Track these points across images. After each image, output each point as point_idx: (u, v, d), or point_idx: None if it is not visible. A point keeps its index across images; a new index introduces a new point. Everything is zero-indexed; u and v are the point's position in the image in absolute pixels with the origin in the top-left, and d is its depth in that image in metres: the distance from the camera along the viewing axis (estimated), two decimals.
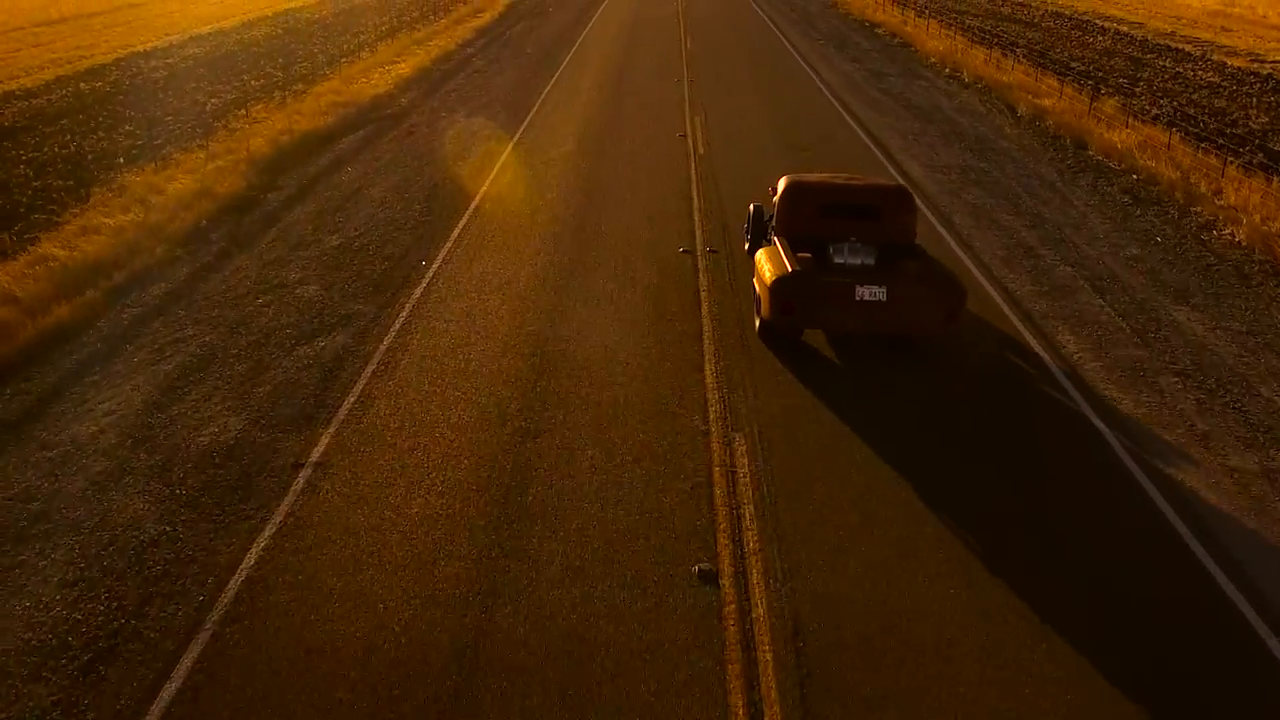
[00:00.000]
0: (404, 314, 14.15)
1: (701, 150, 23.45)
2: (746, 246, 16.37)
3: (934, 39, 44.87)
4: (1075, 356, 13.60)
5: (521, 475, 10.37)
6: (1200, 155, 24.89)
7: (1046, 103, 31.01)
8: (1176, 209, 20.78)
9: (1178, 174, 23.05)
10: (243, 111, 28.81)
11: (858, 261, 13.29)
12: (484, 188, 20.44)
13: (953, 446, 11.28)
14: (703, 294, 15.00)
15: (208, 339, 13.77)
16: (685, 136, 24.88)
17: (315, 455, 10.62)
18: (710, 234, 17.69)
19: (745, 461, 10.67)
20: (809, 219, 13.87)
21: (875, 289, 12.36)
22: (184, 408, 11.84)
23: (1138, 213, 20.51)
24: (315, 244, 17.65)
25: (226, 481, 10.26)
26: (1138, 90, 35.14)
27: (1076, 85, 34.38)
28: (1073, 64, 40.03)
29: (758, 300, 13.48)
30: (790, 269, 12.63)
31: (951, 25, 49.81)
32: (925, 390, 12.55)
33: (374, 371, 12.48)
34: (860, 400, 12.18)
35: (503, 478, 10.32)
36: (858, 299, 12.35)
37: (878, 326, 12.82)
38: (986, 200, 20.71)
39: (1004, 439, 11.51)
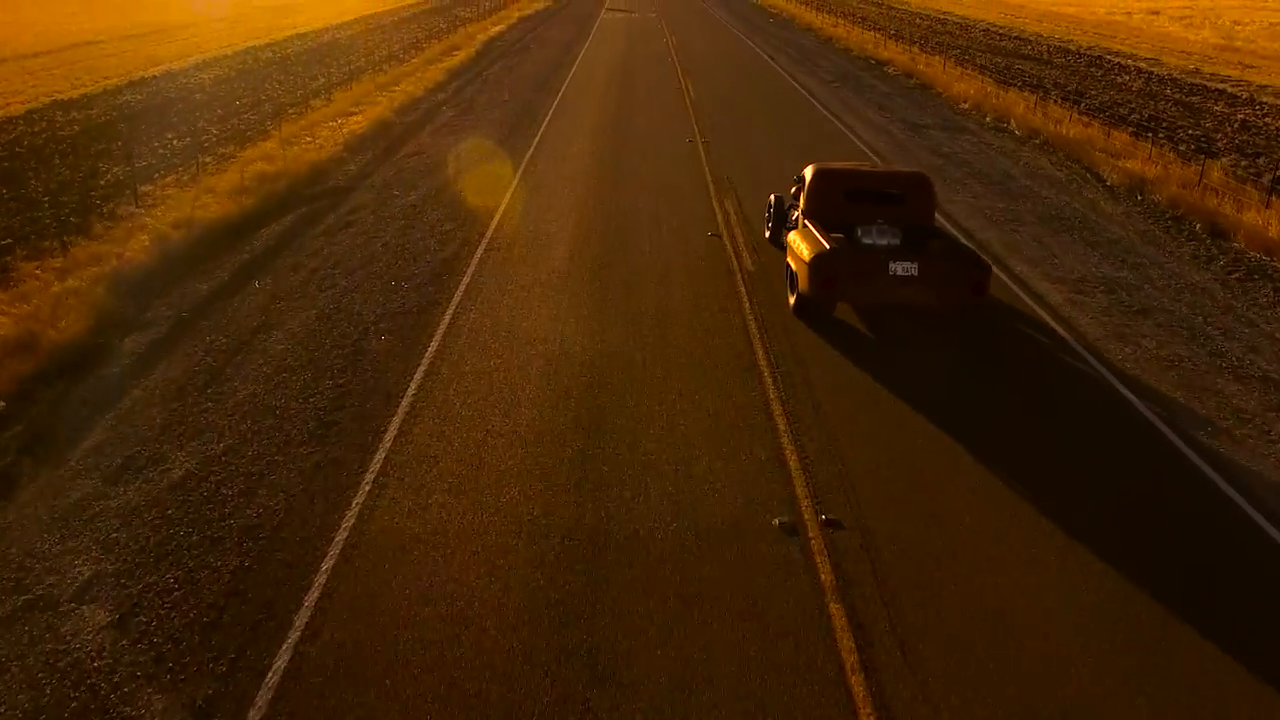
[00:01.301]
0: None
1: (750, 265, 15.29)
2: (768, 235, 16.55)
3: (955, 79, 37.31)
4: None
5: None
6: None
7: (1133, 166, 23.42)
8: None
9: None
10: (145, 188, 20.77)
11: (884, 242, 13.01)
12: (435, 342, 12.37)
13: None
14: (853, 675, 6.87)
15: None
16: (719, 237, 16.91)
17: None
18: (815, 465, 9.54)
19: None
20: (836, 203, 13.79)
21: (908, 264, 12.16)
22: None
23: None
24: (150, 470, 9.69)
25: None
26: (1218, 142, 27.69)
27: (1146, 139, 26.90)
28: (1120, 109, 32.58)
29: (794, 277, 13.23)
30: (828, 246, 12.46)
31: (964, 63, 42.28)
32: None
33: None
34: None
35: None
36: (891, 274, 12.16)
37: (909, 300, 12.53)
38: (1175, 348, 12.95)
39: None
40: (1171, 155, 24.75)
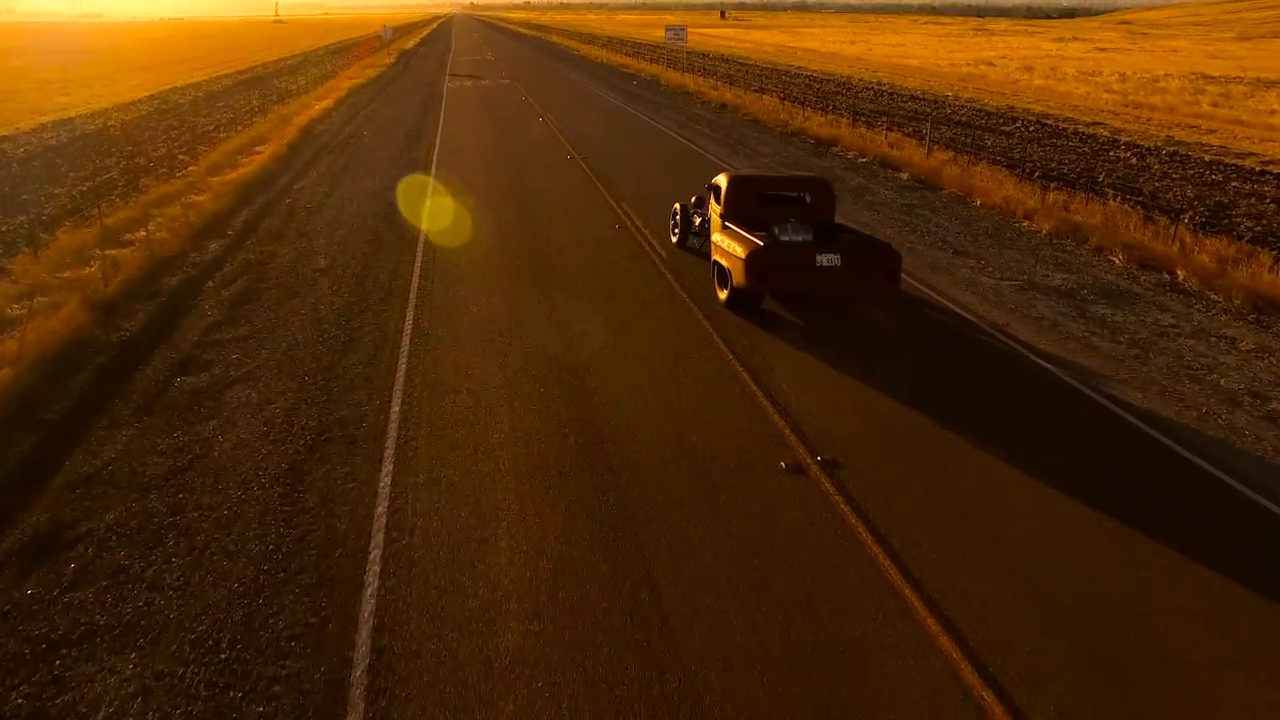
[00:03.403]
0: None
1: None
2: (674, 240, 16.23)
3: (953, 168, 23.90)
4: None
5: None
6: None
7: None
8: None
9: None
10: None
11: (800, 238, 12.70)
12: None
13: None
14: None
15: None
16: None
17: None
18: None
19: None
20: (751, 206, 13.60)
21: (832, 256, 11.91)
22: None
23: None
24: None
25: None
26: None
27: None
28: (1219, 217, 19.90)
29: (724, 274, 12.88)
30: (761, 243, 12.15)
31: (911, 135, 29.04)
32: None
33: None
34: None
35: None
36: (818, 265, 11.87)
37: (833, 288, 12.21)
38: None
39: None
40: None
